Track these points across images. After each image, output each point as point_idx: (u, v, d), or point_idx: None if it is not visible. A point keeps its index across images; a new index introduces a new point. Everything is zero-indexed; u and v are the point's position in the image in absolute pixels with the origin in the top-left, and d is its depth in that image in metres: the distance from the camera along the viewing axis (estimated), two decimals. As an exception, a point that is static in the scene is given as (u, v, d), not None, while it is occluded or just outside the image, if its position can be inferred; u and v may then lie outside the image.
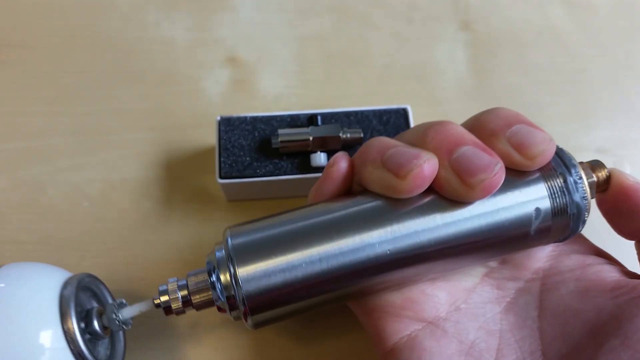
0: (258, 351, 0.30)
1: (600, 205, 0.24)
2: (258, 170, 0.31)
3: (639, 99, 0.38)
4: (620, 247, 0.25)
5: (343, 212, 0.22)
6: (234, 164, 0.31)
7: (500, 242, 0.22)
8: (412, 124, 0.32)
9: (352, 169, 0.24)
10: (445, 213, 0.22)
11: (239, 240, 0.22)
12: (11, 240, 0.32)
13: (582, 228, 0.23)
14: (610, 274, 0.23)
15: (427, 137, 0.22)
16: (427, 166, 0.21)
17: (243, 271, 0.21)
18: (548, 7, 0.41)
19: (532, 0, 0.42)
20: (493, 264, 0.25)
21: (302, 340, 0.30)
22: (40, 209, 0.33)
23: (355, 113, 0.32)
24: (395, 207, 0.22)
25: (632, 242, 0.24)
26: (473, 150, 0.21)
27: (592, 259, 0.24)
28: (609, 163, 0.35)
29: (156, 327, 0.30)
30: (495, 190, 0.21)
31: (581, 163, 0.24)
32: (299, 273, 0.21)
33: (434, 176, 0.21)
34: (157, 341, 0.30)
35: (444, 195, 0.22)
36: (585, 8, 0.41)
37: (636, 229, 0.23)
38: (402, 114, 0.33)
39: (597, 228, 0.25)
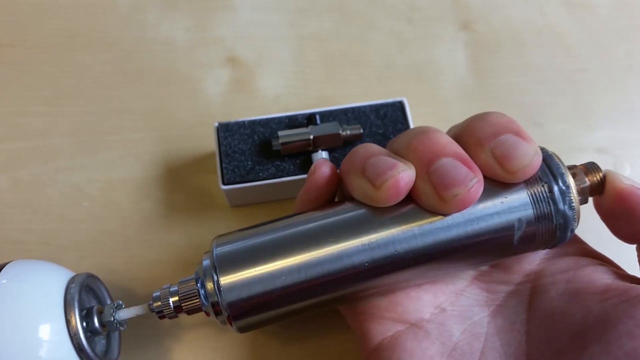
0: (249, 354, 0.30)
1: (597, 208, 0.24)
2: (261, 174, 0.31)
3: (639, 99, 0.38)
4: (619, 249, 0.24)
5: (323, 222, 0.23)
6: (236, 169, 0.31)
7: (481, 252, 0.22)
8: (410, 116, 0.32)
9: (335, 175, 0.24)
10: (424, 223, 0.22)
11: (223, 249, 0.23)
12: (11, 240, 0.32)
13: (572, 236, 0.23)
14: (603, 276, 0.22)
15: (411, 146, 0.22)
16: (402, 177, 0.21)
17: (225, 280, 0.22)
18: (548, 7, 0.41)
19: (532, 0, 0.42)
20: (483, 267, 0.25)
21: (293, 340, 0.30)
22: (40, 209, 0.33)
23: (353, 109, 0.32)
24: (376, 215, 0.22)
25: (630, 244, 0.23)
26: (452, 162, 0.21)
27: (586, 261, 0.23)
28: (609, 163, 0.35)
29: (148, 328, 0.30)
30: (470, 205, 0.21)
31: (574, 167, 0.23)
32: (278, 283, 0.22)
33: (410, 187, 0.21)
34: (150, 342, 0.30)
35: (421, 206, 0.22)
36: (585, 8, 0.41)
37: (633, 231, 0.23)
38: (399, 106, 0.33)
39: (596, 229, 0.25)
